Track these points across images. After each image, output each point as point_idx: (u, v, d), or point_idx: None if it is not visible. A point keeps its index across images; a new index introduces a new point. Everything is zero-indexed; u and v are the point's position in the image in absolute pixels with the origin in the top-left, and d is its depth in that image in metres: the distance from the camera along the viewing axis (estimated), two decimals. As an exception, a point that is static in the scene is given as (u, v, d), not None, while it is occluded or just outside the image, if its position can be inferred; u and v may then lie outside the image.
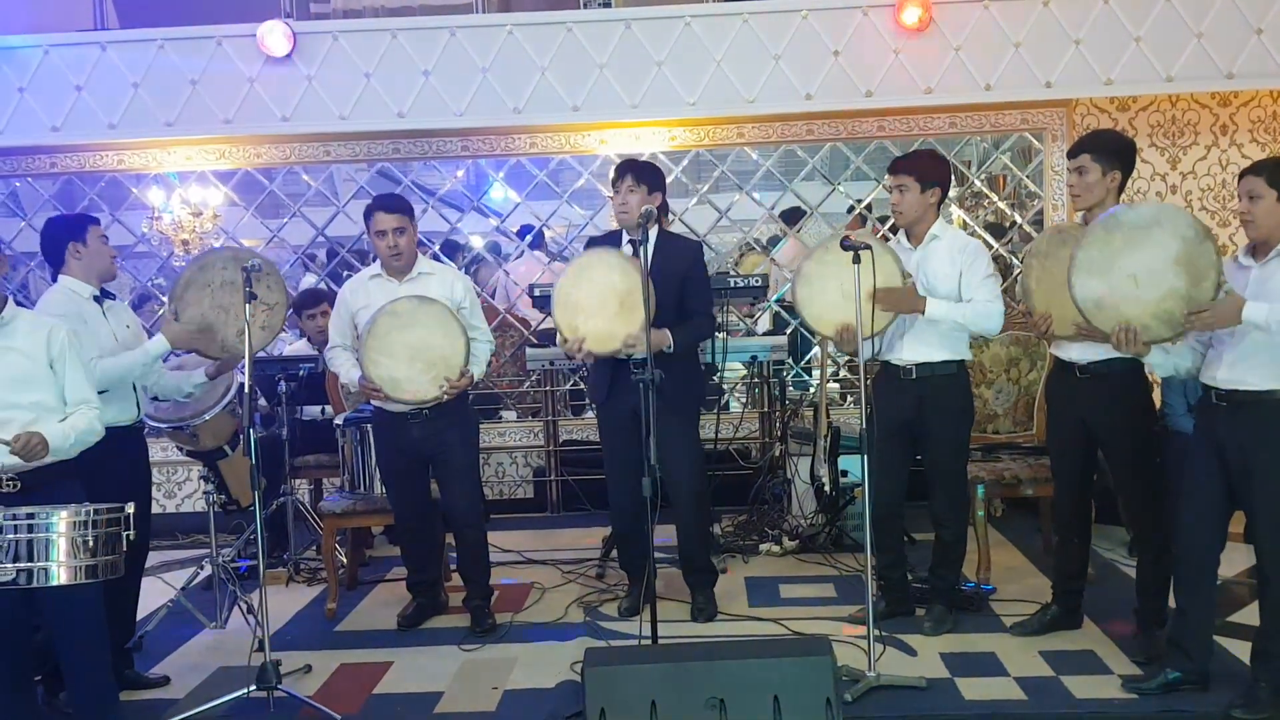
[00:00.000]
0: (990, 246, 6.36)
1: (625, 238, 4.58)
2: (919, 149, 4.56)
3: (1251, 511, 3.60)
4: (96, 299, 4.08)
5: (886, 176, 4.41)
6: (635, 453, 4.43)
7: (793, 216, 7.47)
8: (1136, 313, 3.53)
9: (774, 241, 8.30)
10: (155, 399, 4.48)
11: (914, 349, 4.30)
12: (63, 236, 4.06)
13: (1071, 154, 4.10)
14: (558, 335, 4.49)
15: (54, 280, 4.10)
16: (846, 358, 6.64)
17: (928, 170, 4.30)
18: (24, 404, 3.40)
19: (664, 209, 6.05)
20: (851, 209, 7.26)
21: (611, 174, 4.61)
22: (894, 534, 4.53)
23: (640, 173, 4.53)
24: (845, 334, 4.15)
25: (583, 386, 6.75)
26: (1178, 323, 3.49)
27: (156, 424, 4.79)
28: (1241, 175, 3.58)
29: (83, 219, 4.18)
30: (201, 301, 4.20)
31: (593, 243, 4.74)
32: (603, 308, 4.34)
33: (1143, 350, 3.61)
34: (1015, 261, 6.79)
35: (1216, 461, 3.59)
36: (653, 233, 4.40)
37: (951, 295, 4.25)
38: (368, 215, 4.54)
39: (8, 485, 3.38)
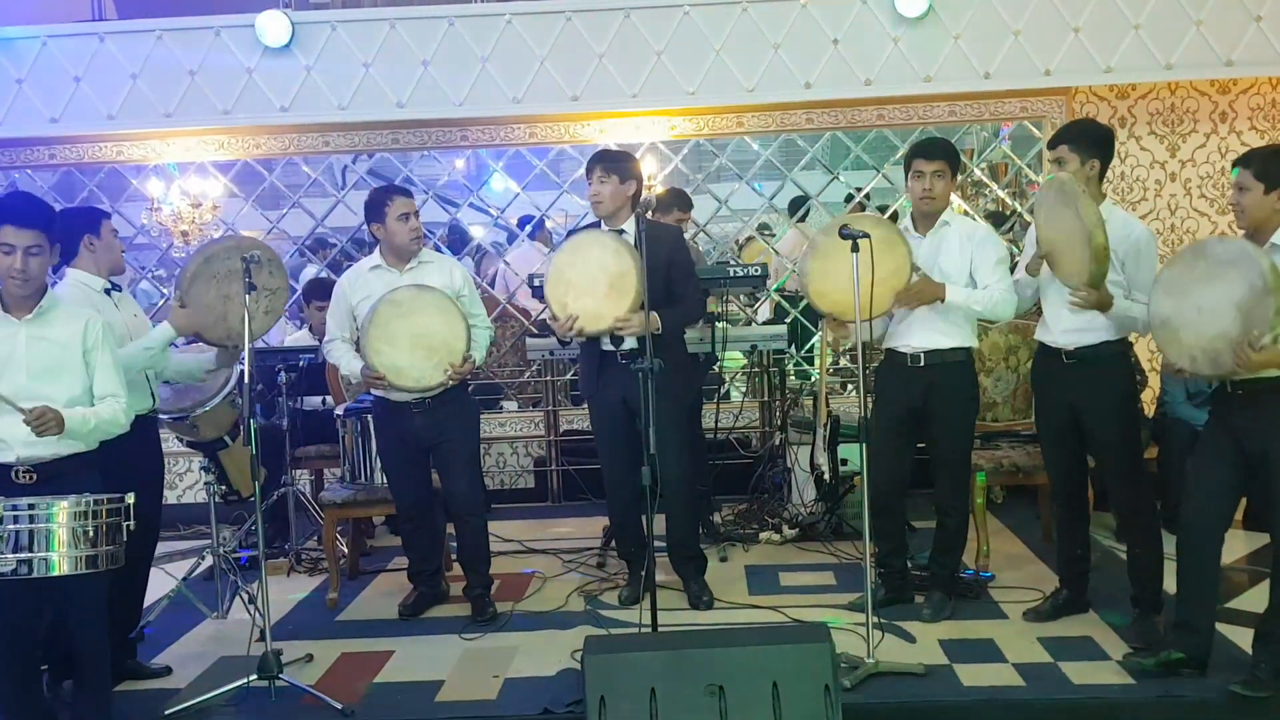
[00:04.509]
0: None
1: (604, 228, 4.54)
2: (939, 136, 4.55)
3: (1269, 499, 3.60)
4: (106, 291, 4.10)
5: (921, 162, 4.28)
6: (629, 442, 4.45)
7: (798, 206, 7.46)
8: (1191, 341, 3.53)
9: (766, 229, 8.29)
10: (166, 383, 4.49)
11: (924, 336, 4.30)
12: (78, 228, 4.05)
13: (1051, 145, 4.15)
14: (549, 314, 4.47)
15: (55, 272, 4.09)
16: (847, 346, 6.63)
17: (955, 157, 4.36)
18: (54, 395, 3.38)
19: (687, 203, 6.04)
20: (850, 197, 7.25)
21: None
22: (896, 522, 4.54)
23: (610, 163, 4.50)
24: (839, 319, 4.19)
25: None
26: (1221, 365, 3.47)
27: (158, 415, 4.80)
28: (1234, 164, 3.61)
29: (95, 212, 4.21)
30: (208, 292, 4.21)
31: (572, 235, 4.68)
32: (593, 287, 4.34)
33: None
34: (1015, 250, 6.77)
35: (1231, 447, 3.61)
36: (630, 223, 4.45)
37: (963, 282, 4.26)
38: (384, 202, 4.50)
39: (24, 477, 3.37)
